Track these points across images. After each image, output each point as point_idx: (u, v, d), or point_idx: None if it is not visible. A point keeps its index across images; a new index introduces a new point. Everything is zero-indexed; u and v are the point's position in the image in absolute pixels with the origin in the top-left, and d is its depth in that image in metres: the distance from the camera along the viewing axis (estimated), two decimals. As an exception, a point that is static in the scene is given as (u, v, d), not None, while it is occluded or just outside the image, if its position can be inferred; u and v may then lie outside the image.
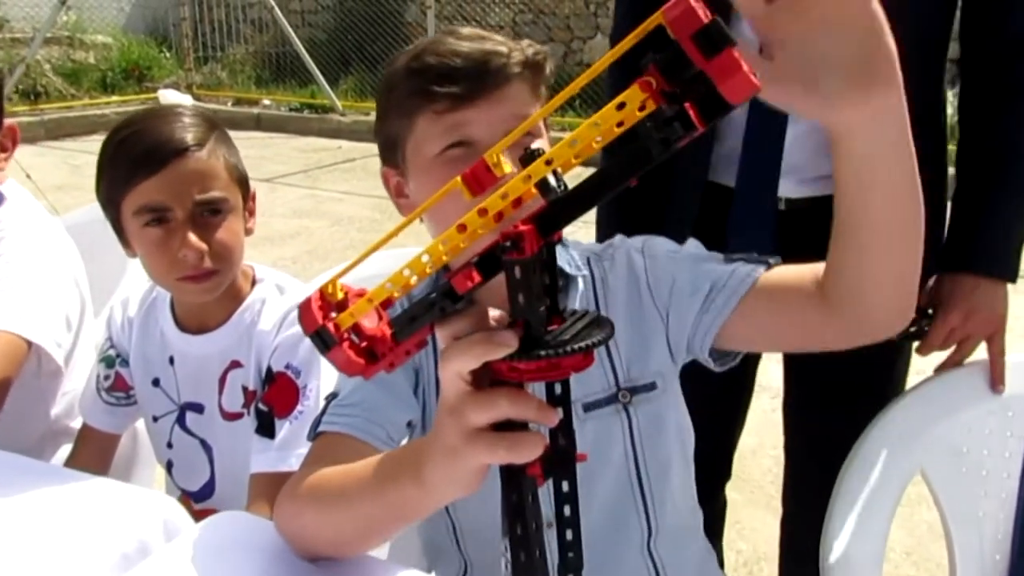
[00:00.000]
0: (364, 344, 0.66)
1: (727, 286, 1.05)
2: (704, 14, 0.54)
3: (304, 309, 0.66)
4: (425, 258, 0.64)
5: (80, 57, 10.65)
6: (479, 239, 0.62)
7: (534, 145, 0.64)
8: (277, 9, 9.61)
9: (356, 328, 0.66)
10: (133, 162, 1.29)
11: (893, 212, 0.84)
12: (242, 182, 1.38)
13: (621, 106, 0.57)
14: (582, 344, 0.63)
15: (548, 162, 0.59)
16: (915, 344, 1.50)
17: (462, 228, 0.61)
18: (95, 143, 7.67)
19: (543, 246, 0.61)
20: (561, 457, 0.68)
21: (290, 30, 9.61)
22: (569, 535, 0.70)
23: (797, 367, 1.66)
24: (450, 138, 1.00)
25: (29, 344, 1.44)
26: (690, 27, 0.54)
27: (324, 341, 0.66)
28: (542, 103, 1.06)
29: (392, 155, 1.09)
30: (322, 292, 0.67)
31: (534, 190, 0.60)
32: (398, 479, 0.80)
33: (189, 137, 1.30)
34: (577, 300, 1.11)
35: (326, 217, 6.04)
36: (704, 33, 0.54)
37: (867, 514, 1.35)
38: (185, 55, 10.78)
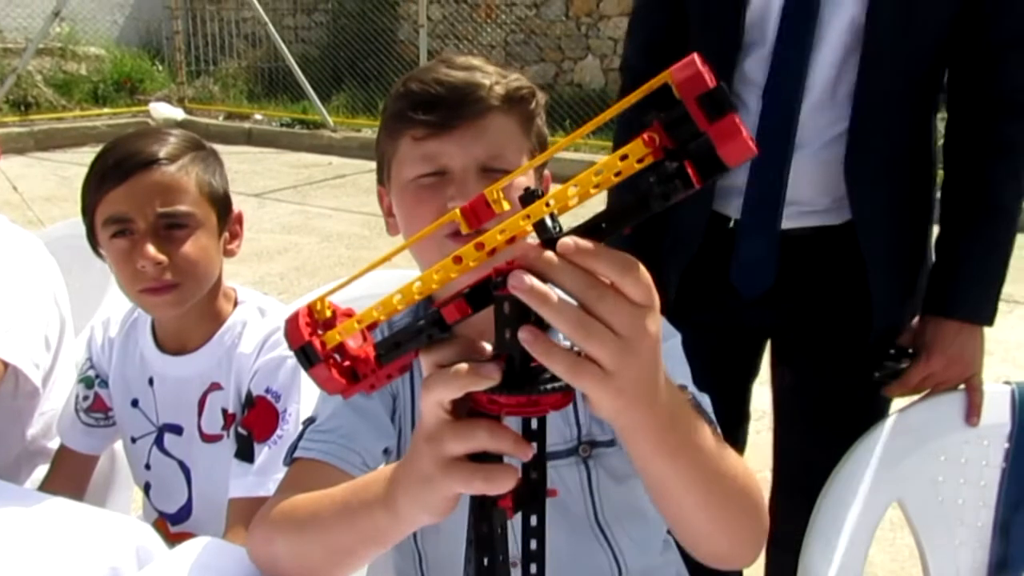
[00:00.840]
0: (347, 364, 0.67)
1: None
2: (710, 79, 0.56)
3: (291, 324, 0.67)
4: (417, 286, 0.64)
5: (72, 68, 10.67)
6: (469, 272, 0.62)
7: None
8: (271, 25, 9.65)
9: (340, 347, 0.67)
10: (103, 173, 1.32)
11: (686, 499, 0.81)
12: (218, 201, 1.39)
13: (624, 157, 0.58)
14: (563, 383, 0.64)
15: (547, 204, 0.60)
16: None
17: (458, 260, 0.62)
18: (85, 155, 7.60)
19: None
20: (532, 491, 0.69)
21: (283, 46, 9.66)
22: (534, 569, 0.71)
23: (785, 394, 1.70)
24: (425, 167, 1.02)
25: (5, 365, 1.44)
26: (697, 89, 0.56)
27: (308, 357, 0.66)
28: (534, 137, 1.07)
29: (381, 174, 1.12)
30: (310, 308, 0.68)
31: (529, 228, 0.61)
32: (369, 505, 0.81)
33: (161, 152, 1.32)
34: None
35: (315, 233, 6.05)
36: (709, 96, 0.56)
37: (844, 542, 1.36)
38: (177, 68, 10.81)
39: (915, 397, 1.48)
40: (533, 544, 0.70)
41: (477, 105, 1.01)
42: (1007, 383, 1.44)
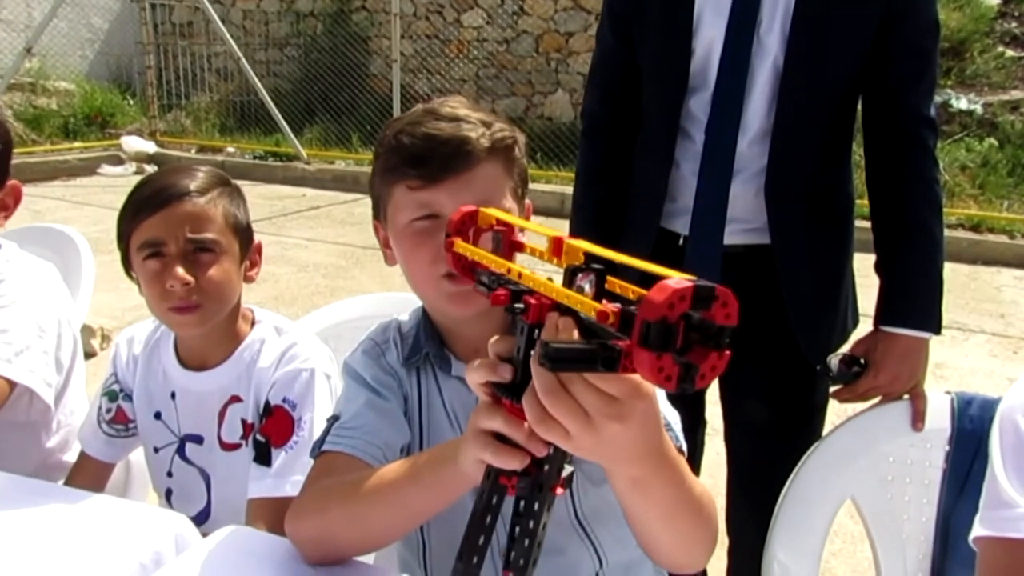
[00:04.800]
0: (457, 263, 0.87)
1: None
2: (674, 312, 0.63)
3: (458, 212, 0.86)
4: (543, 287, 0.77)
5: (42, 103, 10.66)
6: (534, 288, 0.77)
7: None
8: (244, 59, 9.74)
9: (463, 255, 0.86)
10: (140, 202, 1.45)
11: (654, 522, 0.97)
12: (240, 231, 1.52)
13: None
14: None
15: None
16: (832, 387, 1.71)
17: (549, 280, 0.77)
18: (57, 189, 7.61)
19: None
20: (539, 484, 0.82)
21: (256, 79, 9.75)
22: (526, 543, 0.82)
23: (732, 407, 1.87)
24: (419, 212, 1.14)
25: (12, 385, 1.54)
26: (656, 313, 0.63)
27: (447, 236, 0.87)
28: (516, 176, 1.19)
29: (378, 212, 1.24)
30: (476, 211, 0.86)
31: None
32: (437, 462, 0.96)
33: (192, 185, 1.46)
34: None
35: (292, 263, 6.13)
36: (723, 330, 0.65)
37: (805, 533, 1.50)
38: (149, 102, 10.85)
39: (865, 405, 1.63)
40: (530, 523, 0.81)
41: (466, 158, 1.12)
42: (947, 393, 1.57)
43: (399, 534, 1.10)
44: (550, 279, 0.77)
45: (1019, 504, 1.17)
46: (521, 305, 0.76)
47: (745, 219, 1.66)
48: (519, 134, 1.21)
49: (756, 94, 1.61)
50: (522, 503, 0.82)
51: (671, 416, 1.18)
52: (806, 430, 1.74)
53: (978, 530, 1.20)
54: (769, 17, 1.57)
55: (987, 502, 1.22)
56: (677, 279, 0.63)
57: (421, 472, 0.99)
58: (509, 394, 0.80)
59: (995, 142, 7.85)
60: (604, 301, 0.70)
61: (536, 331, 0.77)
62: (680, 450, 1.14)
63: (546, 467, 0.82)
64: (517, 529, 0.82)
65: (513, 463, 0.81)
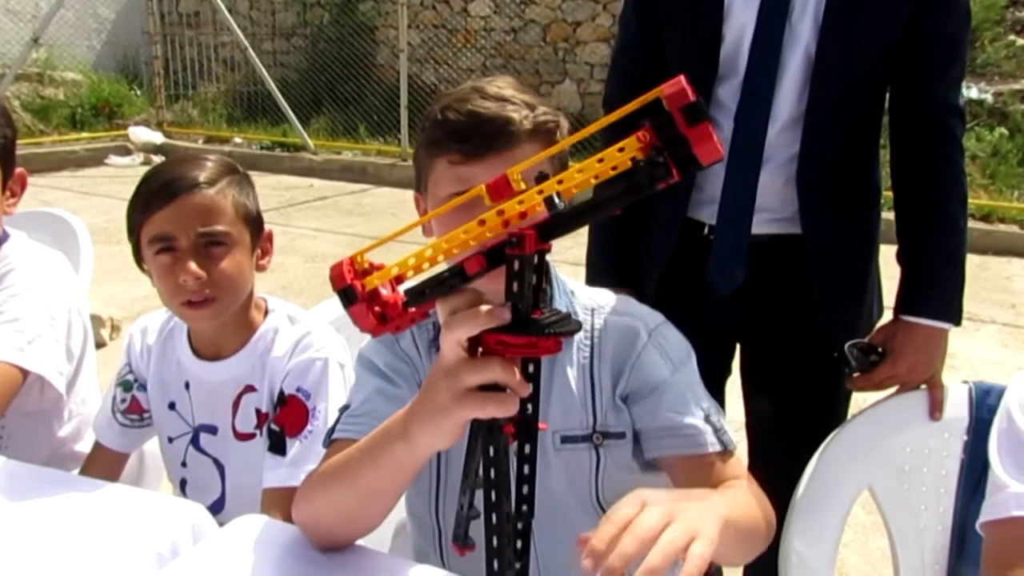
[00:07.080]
0: (377, 309, 0.81)
1: (681, 437, 1.19)
2: (692, 94, 0.70)
3: (335, 270, 0.81)
4: (445, 243, 0.79)
5: (50, 94, 10.65)
6: (490, 239, 0.77)
7: None
8: (251, 49, 9.72)
9: (375, 295, 0.81)
10: (149, 195, 1.44)
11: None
12: (251, 221, 1.51)
13: (621, 150, 0.73)
14: (558, 330, 0.80)
15: (559, 182, 0.76)
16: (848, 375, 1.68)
17: (482, 222, 0.77)
18: (64, 179, 7.66)
19: (538, 251, 0.77)
20: (527, 424, 0.83)
21: (263, 70, 9.73)
22: (525, 490, 0.85)
23: (754, 396, 1.86)
24: (459, 187, 1.14)
25: (26, 373, 1.53)
26: (681, 102, 0.70)
27: (348, 298, 0.80)
28: (557, 162, 1.18)
29: (419, 184, 1.25)
30: (352, 259, 0.82)
31: (540, 207, 0.75)
32: (388, 442, 0.96)
33: (201, 176, 1.44)
34: (573, 343, 1.24)
35: (300, 254, 6.13)
36: (691, 107, 0.70)
37: (821, 521, 1.49)
38: (156, 93, 10.84)
39: (883, 394, 1.62)
40: (526, 469, 0.84)
41: (508, 138, 1.13)
42: (965, 382, 1.56)
43: (376, 516, 1.09)
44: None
45: (1007, 486, 1.19)
46: (513, 241, 0.76)
47: (773, 208, 1.65)
48: (563, 119, 1.21)
49: (787, 82, 1.59)
50: (527, 448, 0.83)
51: (717, 413, 1.22)
52: (830, 421, 1.71)
53: (980, 517, 1.22)
54: (801, 4, 1.56)
55: (988, 489, 1.24)
56: (667, 83, 0.71)
57: (378, 455, 0.98)
58: (505, 330, 0.79)
59: (1006, 131, 7.79)
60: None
61: (536, 257, 0.78)
62: (730, 451, 1.18)
63: (528, 407, 0.82)
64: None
65: (515, 404, 0.80)
